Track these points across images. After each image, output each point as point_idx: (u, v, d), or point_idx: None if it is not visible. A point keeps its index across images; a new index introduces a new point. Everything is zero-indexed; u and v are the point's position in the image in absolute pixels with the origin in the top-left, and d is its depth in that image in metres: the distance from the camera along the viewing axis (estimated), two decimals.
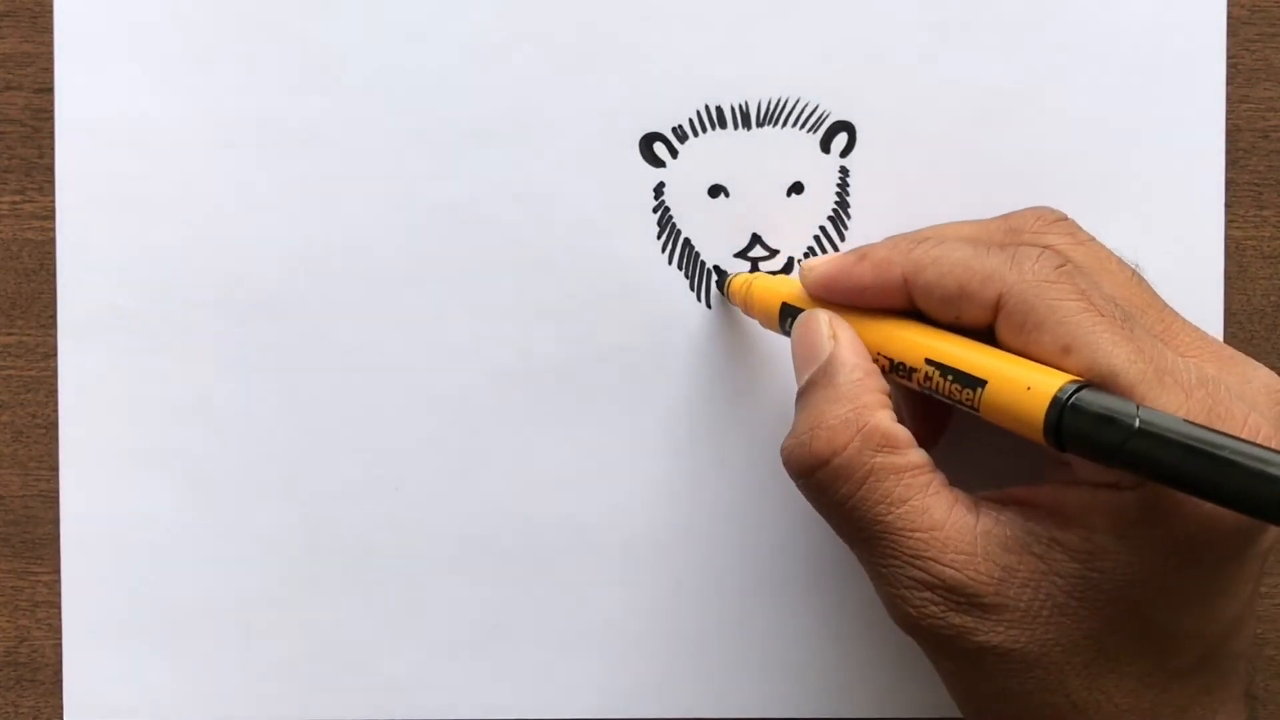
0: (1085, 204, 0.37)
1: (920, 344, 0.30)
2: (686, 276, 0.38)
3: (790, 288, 0.34)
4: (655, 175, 0.37)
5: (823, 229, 0.38)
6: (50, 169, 0.38)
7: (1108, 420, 0.26)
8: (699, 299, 0.38)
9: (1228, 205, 0.38)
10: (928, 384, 0.30)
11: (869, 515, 0.29)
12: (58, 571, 0.39)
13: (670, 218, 0.38)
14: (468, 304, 0.38)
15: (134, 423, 0.38)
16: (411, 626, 0.38)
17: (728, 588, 0.38)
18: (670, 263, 0.38)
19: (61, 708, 0.39)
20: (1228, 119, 0.38)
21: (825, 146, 0.37)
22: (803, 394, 0.31)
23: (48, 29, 0.38)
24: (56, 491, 0.38)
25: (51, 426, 0.38)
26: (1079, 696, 0.29)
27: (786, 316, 0.33)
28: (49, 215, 0.38)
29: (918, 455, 0.30)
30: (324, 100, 0.37)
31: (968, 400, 0.29)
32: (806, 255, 0.38)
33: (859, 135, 0.37)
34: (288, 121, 0.38)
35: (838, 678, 0.38)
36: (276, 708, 0.38)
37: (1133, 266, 0.32)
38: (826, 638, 0.38)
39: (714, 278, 0.38)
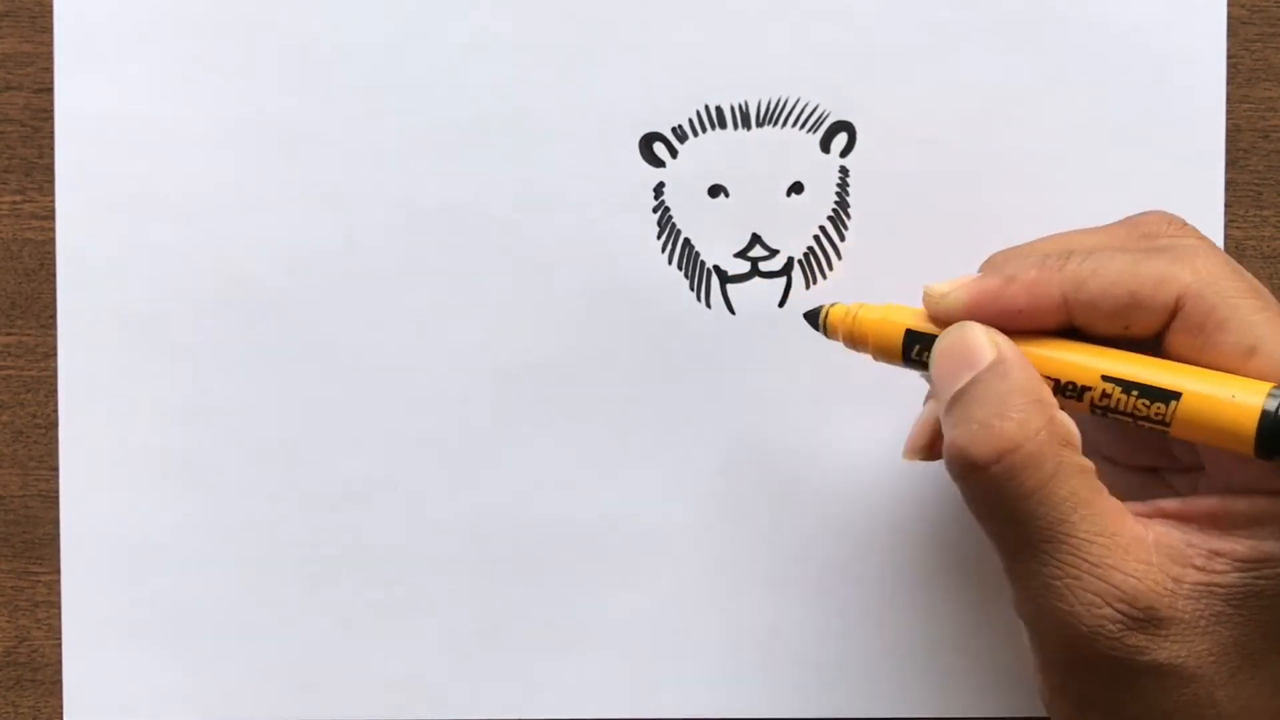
0: (1085, 204, 0.37)
1: (1093, 361, 0.28)
2: (686, 276, 0.38)
3: (907, 315, 0.31)
4: (655, 175, 0.37)
5: (822, 229, 0.38)
6: (50, 169, 0.38)
7: None
8: (699, 299, 0.38)
9: (1228, 205, 0.38)
10: (1105, 402, 0.28)
11: (1054, 514, 0.27)
12: (58, 571, 0.39)
13: (670, 218, 0.38)
14: (467, 304, 0.38)
15: (134, 423, 0.38)
16: (411, 626, 0.38)
17: (728, 588, 0.38)
18: (670, 263, 0.38)
19: (61, 708, 0.39)
20: (1228, 119, 0.38)
21: (825, 146, 0.37)
22: (965, 392, 0.28)
23: (47, 29, 0.38)
24: (56, 491, 0.38)
25: (51, 426, 0.38)
26: (1224, 706, 0.28)
27: (914, 344, 0.31)
28: (49, 215, 0.38)
29: (1089, 461, 0.28)
30: (324, 100, 0.37)
31: (1158, 415, 0.27)
32: (806, 255, 0.38)
33: (859, 135, 0.37)
34: (288, 121, 0.38)
35: (838, 678, 0.38)
36: (277, 708, 0.38)
37: None
38: (827, 638, 0.38)
39: (714, 278, 0.38)
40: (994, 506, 0.28)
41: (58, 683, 0.39)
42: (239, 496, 0.38)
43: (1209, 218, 0.38)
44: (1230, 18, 0.37)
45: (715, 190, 0.38)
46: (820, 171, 0.37)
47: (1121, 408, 0.28)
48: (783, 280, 0.38)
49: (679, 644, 0.38)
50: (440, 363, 0.38)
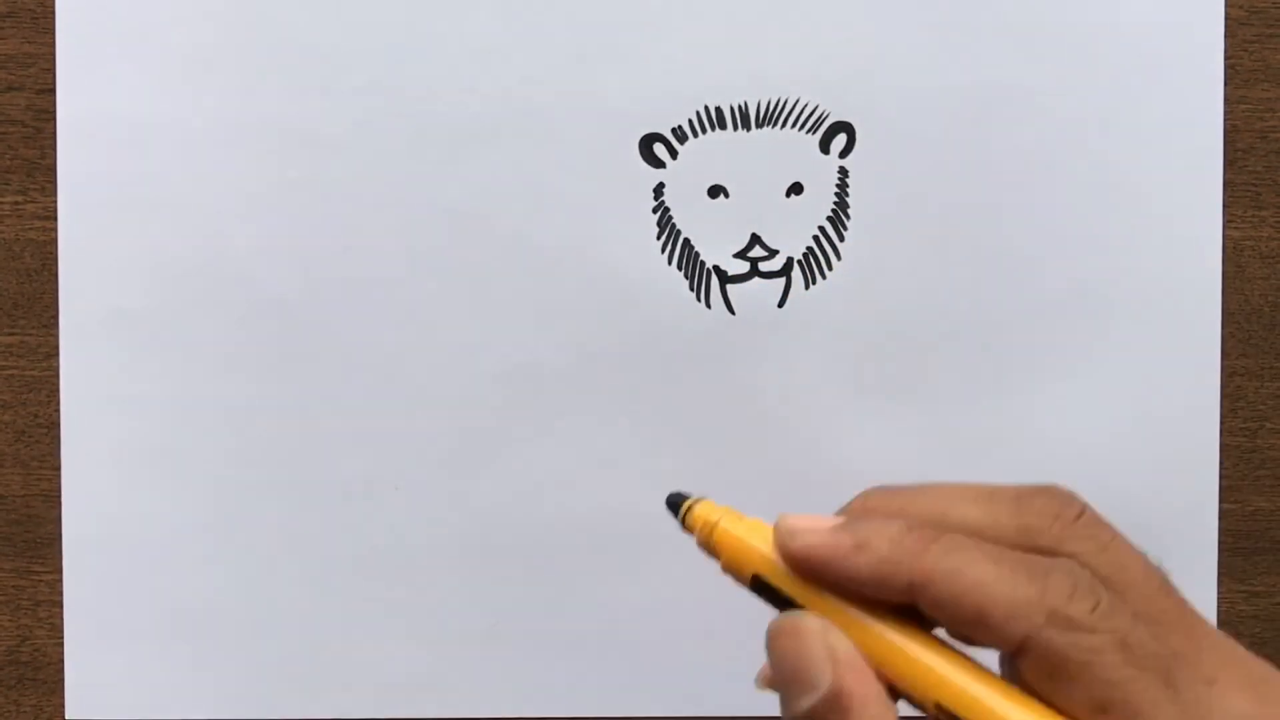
0: (1084, 204, 0.37)
1: (931, 680, 0.26)
2: (686, 277, 0.38)
3: (763, 550, 0.28)
4: (655, 175, 0.38)
5: (822, 229, 0.38)
6: (52, 169, 0.38)
7: None
8: (699, 299, 0.38)
9: (1226, 205, 0.38)
10: None
11: None
12: (59, 571, 0.39)
13: (670, 218, 0.38)
14: (468, 304, 0.38)
15: (134, 423, 0.38)
16: (412, 626, 0.38)
17: (728, 588, 0.38)
18: (670, 263, 0.38)
19: (63, 707, 0.39)
20: (1226, 119, 0.38)
21: (825, 147, 0.38)
22: None
23: (49, 30, 0.38)
24: (58, 491, 0.38)
25: (53, 426, 0.38)
26: None
27: (762, 593, 0.28)
28: (51, 215, 0.38)
29: None
30: (325, 100, 0.38)
31: None
32: (806, 255, 0.38)
33: (859, 135, 0.37)
34: (288, 122, 0.38)
35: None
36: (277, 707, 0.38)
37: (1157, 567, 0.29)
38: None
39: (714, 278, 0.38)
40: None
41: (59, 681, 0.39)
42: (239, 496, 0.38)
43: (1207, 218, 0.38)
44: (1228, 19, 0.37)
45: (715, 190, 0.38)
46: (820, 172, 0.38)
47: None
48: (782, 280, 0.38)
49: (679, 643, 0.38)
50: (440, 363, 0.38)
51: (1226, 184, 0.38)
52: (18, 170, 0.38)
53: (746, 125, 0.37)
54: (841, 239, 0.38)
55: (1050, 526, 0.28)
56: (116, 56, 0.38)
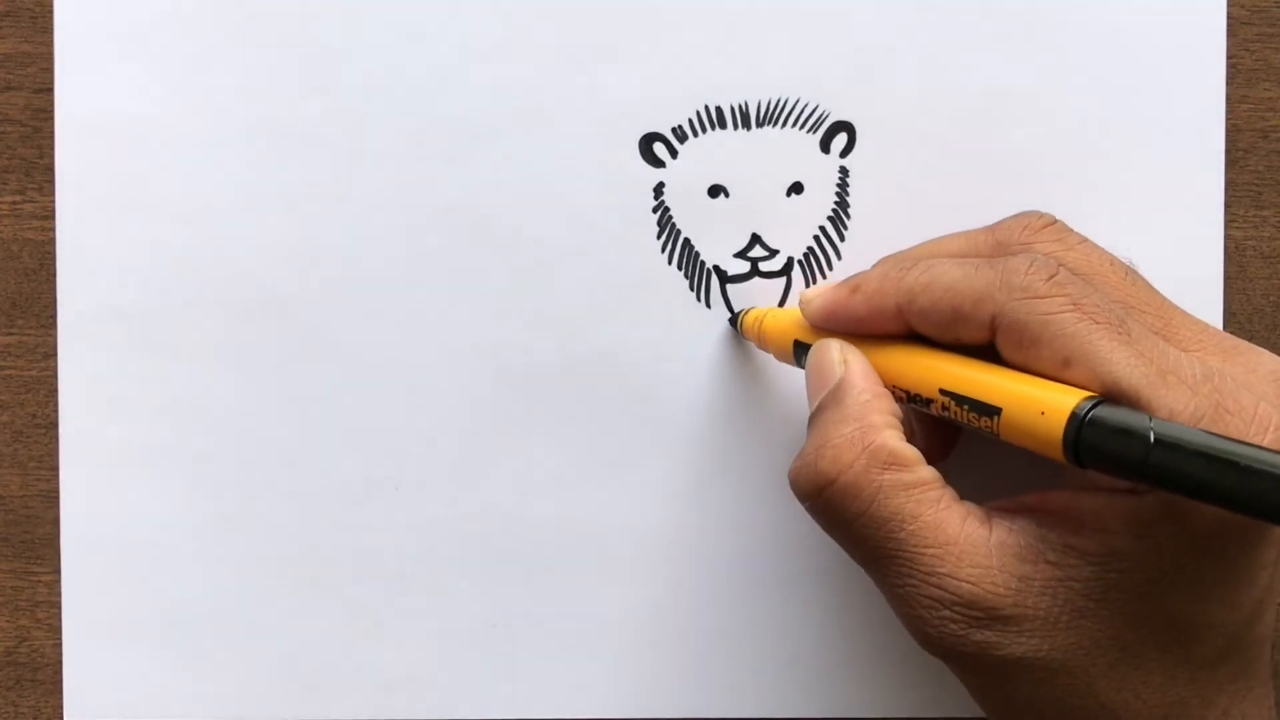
0: (1085, 204, 0.37)
1: (932, 373, 0.30)
2: (686, 277, 0.38)
3: (800, 322, 0.34)
4: (655, 175, 0.37)
5: (822, 229, 0.38)
6: (50, 169, 0.38)
7: (1125, 435, 0.26)
8: (699, 299, 0.38)
9: (1227, 205, 0.38)
10: (945, 412, 0.30)
11: (880, 533, 0.29)
12: (58, 571, 0.39)
13: (670, 218, 0.38)
14: (467, 304, 0.38)
15: (134, 423, 0.38)
16: (411, 626, 0.38)
17: (727, 588, 0.38)
18: (670, 263, 0.38)
19: (61, 708, 0.39)
20: (1227, 119, 0.38)
21: (825, 146, 0.37)
22: (812, 419, 0.31)
23: (48, 29, 0.38)
24: (56, 491, 0.38)
25: (51, 426, 0.38)
26: (1108, 697, 0.29)
27: (801, 353, 0.34)
28: (49, 215, 0.38)
29: (926, 472, 0.30)
30: (324, 100, 0.37)
31: (986, 428, 0.29)
32: (806, 255, 0.38)
33: (859, 135, 0.37)
34: (288, 121, 0.38)
35: (838, 678, 0.38)
36: (276, 708, 0.38)
37: (1126, 263, 0.32)
38: (826, 638, 0.38)
39: (714, 278, 0.38)
40: (830, 531, 0.31)
41: (58, 682, 0.39)
42: (239, 496, 0.38)
43: (1209, 218, 0.38)
44: (1230, 18, 0.37)
45: (715, 190, 0.38)
46: (820, 171, 0.37)
47: (959, 419, 0.29)
48: (783, 280, 0.38)
49: (678, 644, 0.38)
50: (440, 363, 0.38)
51: (1228, 184, 0.38)
52: (15, 170, 0.38)
53: (747, 125, 0.37)
54: (842, 239, 0.38)
55: (1019, 235, 0.32)
56: (115, 56, 0.37)
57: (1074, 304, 0.28)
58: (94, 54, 0.38)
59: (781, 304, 0.38)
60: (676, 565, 0.38)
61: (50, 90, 0.38)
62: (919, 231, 0.37)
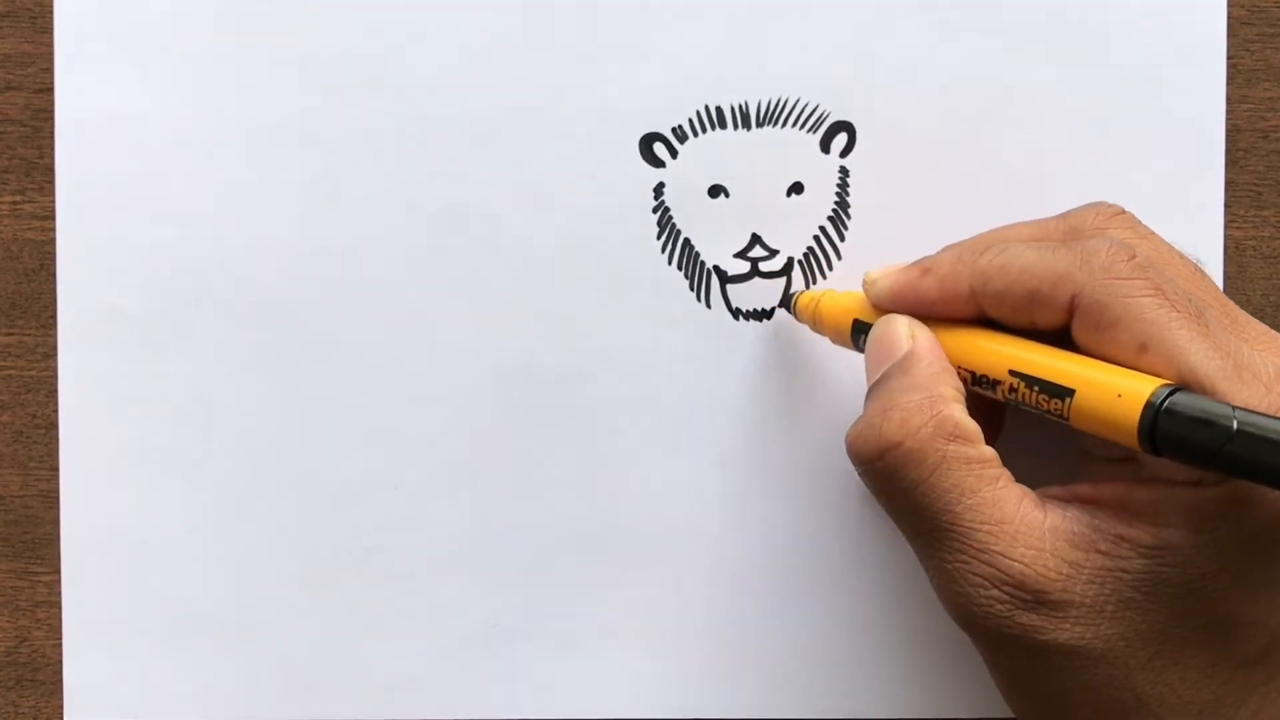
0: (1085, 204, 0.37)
1: (1002, 355, 0.30)
2: (686, 277, 0.38)
3: (860, 303, 0.34)
4: (655, 175, 0.37)
5: (822, 229, 0.38)
6: (50, 169, 0.38)
7: (1204, 424, 0.26)
8: (699, 299, 0.38)
9: (1227, 205, 0.38)
10: (1013, 395, 0.30)
11: (938, 504, 0.29)
12: (58, 572, 0.39)
13: (670, 218, 0.38)
14: (467, 304, 0.38)
15: (134, 423, 0.38)
16: (411, 626, 0.38)
17: (728, 587, 0.38)
18: (670, 263, 0.38)
19: (62, 708, 0.39)
20: (1228, 119, 0.38)
21: (825, 146, 0.37)
22: (875, 385, 0.31)
23: (47, 29, 0.38)
24: (57, 491, 0.38)
25: (51, 426, 0.38)
26: (1143, 690, 0.28)
27: (859, 333, 0.33)
28: (49, 215, 0.38)
29: (988, 449, 0.30)
30: (324, 100, 0.37)
31: (1056, 410, 0.28)
32: (806, 255, 0.38)
33: (859, 135, 0.37)
34: (287, 121, 0.38)
35: (838, 678, 0.38)
36: (276, 708, 0.38)
37: (1194, 261, 0.32)
38: (827, 638, 0.38)
39: (714, 278, 0.38)
40: (884, 497, 0.30)
41: (58, 683, 0.39)
42: (239, 496, 0.38)
43: (1209, 218, 0.38)
44: (1230, 18, 0.37)
45: (715, 190, 0.38)
46: (820, 171, 0.37)
47: (1027, 401, 0.29)
48: (783, 280, 0.38)
49: (679, 644, 0.38)
50: (440, 363, 0.38)
51: (1228, 184, 0.38)
52: (15, 170, 0.38)
53: (747, 125, 0.37)
54: (842, 239, 0.38)
55: (1092, 221, 0.32)
56: (115, 56, 0.37)
57: (1155, 289, 0.28)
58: (94, 54, 0.38)
59: (781, 303, 0.38)
60: (676, 565, 0.38)
61: (50, 90, 0.38)
62: (919, 231, 0.37)
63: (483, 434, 0.38)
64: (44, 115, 0.38)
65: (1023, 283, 0.29)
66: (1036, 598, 0.28)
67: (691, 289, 0.38)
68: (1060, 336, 0.30)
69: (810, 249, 0.38)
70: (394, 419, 0.38)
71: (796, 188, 0.38)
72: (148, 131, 0.38)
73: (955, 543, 0.29)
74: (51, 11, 0.38)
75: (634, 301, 0.38)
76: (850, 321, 0.34)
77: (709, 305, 0.38)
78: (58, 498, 0.38)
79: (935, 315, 0.32)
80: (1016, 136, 0.37)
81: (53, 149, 0.38)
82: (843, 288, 0.37)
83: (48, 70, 0.38)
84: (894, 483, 0.29)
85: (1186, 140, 0.37)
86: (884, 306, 0.33)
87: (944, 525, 0.29)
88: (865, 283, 0.33)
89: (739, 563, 0.38)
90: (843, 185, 0.37)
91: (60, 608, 0.38)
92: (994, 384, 0.30)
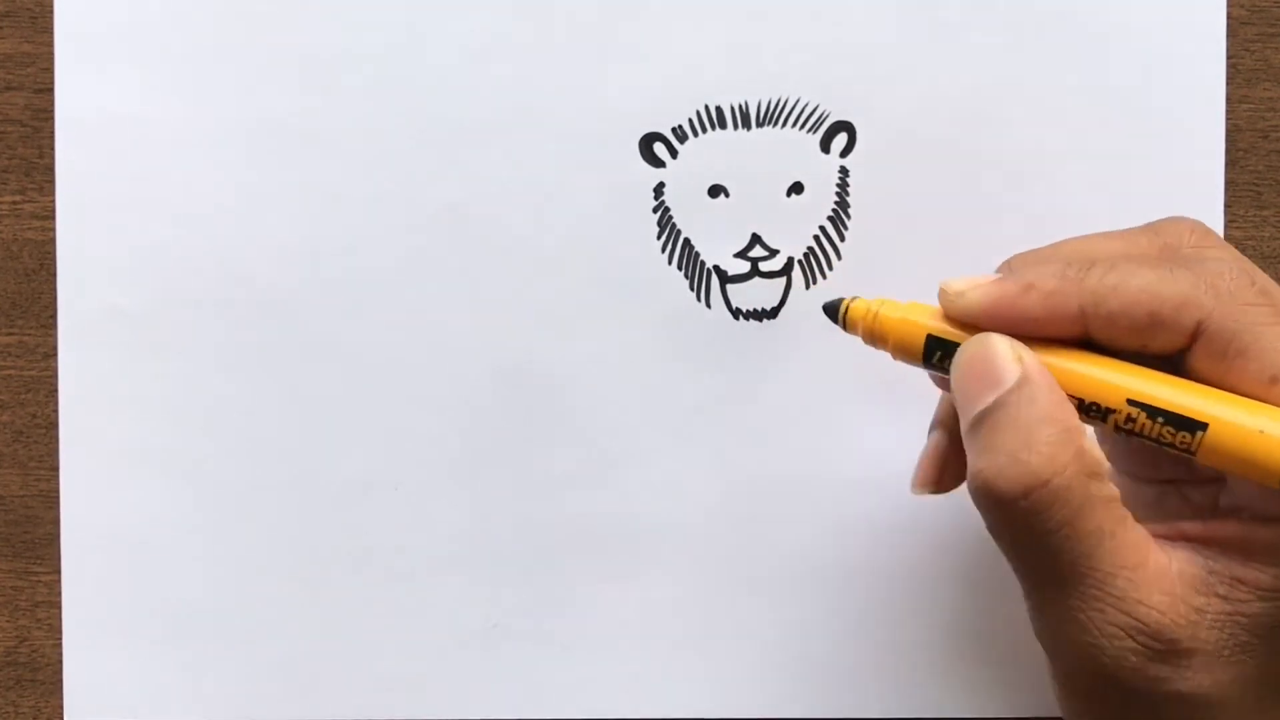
0: (1085, 204, 0.37)
1: (1121, 382, 0.28)
2: (686, 276, 0.38)
3: (928, 316, 0.30)
4: (655, 175, 0.37)
5: (822, 229, 0.38)
6: (50, 169, 0.38)
7: None
8: (699, 299, 0.38)
9: (1227, 205, 0.38)
10: (1129, 425, 0.27)
11: (1080, 548, 0.26)
12: (58, 571, 0.39)
13: (670, 218, 0.38)
14: (467, 304, 0.38)
15: (134, 423, 0.38)
16: (411, 626, 0.38)
17: (728, 588, 0.38)
18: (670, 263, 0.38)
19: (62, 708, 0.39)
20: (1228, 119, 0.38)
21: (825, 146, 0.37)
22: (989, 415, 0.27)
23: (48, 29, 0.38)
24: (57, 491, 0.38)
25: (51, 426, 0.38)
26: None
27: (935, 349, 0.30)
28: (49, 215, 0.38)
29: (1115, 488, 0.27)
30: (324, 100, 0.37)
31: (1183, 443, 0.27)
32: (806, 255, 0.38)
33: (859, 135, 0.37)
34: (288, 121, 0.38)
35: (840, 678, 0.38)
36: (276, 708, 0.38)
37: None
38: (828, 638, 0.38)
39: (714, 278, 0.38)
40: (1019, 539, 0.27)
41: (58, 683, 0.39)
42: (239, 496, 0.38)
43: (1209, 218, 0.38)
44: (1230, 18, 0.37)
45: (715, 190, 0.38)
46: (820, 171, 0.37)
47: (1146, 433, 0.27)
48: (783, 280, 0.38)
49: (679, 644, 0.38)
50: (440, 362, 0.38)
51: (1228, 184, 0.38)
52: (15, 170, 0.38)
53: (747, 125, 0.37)
54: (842, 239, 0.38)
55: (1188, 240, 0.30)
56: (115, 56, 0.37)
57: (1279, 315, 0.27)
58: (94, 54, 0.38)
59: (782, 303, 0.38)
60: (676, 565, 0.38)
61: (50, 90, 0.38)
62: (919, 231, 0.37)
63: (483, 434, 0.38)
64: (44, 115, 0.38)
65: (1143, 304, 0.27)
66: (1170, 647, 0.26)
67: (691, 289, 0.38)
68: (1169, 363, 0.28)
69: (810, 249, 0.38)
70: (394, 419, 0.38)
71: (796, 188, 0.38)
72: (148, 131, 0.38)
73: (1093, 589, 0.27)
74: (51, 11, 0.38)
75: (634, 301, 0.38)
76: (924, 337, 0.30)
77: (709, 305, 0.38)
78: (58, 498, 0.38)
79: (1034, 335, 0.28)
80: (1016, 136, 0.37)
81: (53, 149, 0.38)
82: (846, 289, 0.37)
83: (48, 70, 0.38)
84: (1034, 524, 0.27)
85: (1186, 140, 0.37)
86: (972, 323, 0.29)
87: (1083, 571, 0.27)
88: (947, 293, 0.29)
89: (739, 563, 0.38)
90: (843, 185, 0.37)
91: (60, 608, 0.38)
92: (1106, 413, 0.28)
